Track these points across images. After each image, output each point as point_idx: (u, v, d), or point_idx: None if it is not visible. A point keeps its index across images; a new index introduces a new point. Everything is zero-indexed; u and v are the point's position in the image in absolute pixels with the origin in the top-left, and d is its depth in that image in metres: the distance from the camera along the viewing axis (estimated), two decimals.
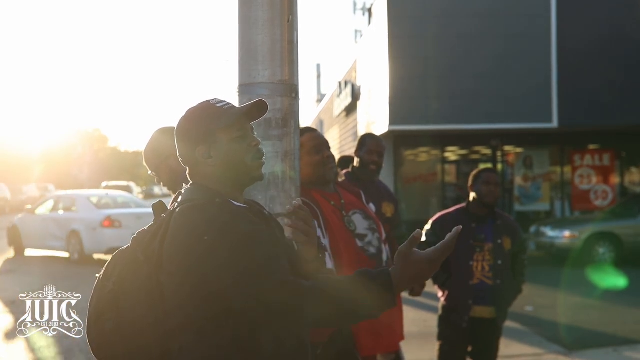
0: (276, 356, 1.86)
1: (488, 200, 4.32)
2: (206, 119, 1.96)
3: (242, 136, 1.97)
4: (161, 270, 1.89)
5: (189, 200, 1.94)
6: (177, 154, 2.05)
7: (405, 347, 4.62)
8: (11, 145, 49.05)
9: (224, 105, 2.00)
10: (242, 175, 1.98)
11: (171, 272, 1.86)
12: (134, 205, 15.79)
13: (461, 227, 1.84)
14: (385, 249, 3.37)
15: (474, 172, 4.50)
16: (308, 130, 3.34)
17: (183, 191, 2.02)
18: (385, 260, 3.30)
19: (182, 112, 2.05)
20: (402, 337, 3.45)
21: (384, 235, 3.42)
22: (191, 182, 2.02)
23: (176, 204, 1.99)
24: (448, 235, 1.82)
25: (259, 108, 1.99)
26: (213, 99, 2.03)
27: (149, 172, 3.08)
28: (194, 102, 2.07)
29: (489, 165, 17.12)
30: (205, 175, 1.98)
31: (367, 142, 4.45)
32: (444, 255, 1.82)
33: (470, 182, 4.46)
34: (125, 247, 2.05)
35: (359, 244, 3.22)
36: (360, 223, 3.29)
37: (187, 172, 2.03)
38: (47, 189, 45.06)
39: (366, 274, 1.83)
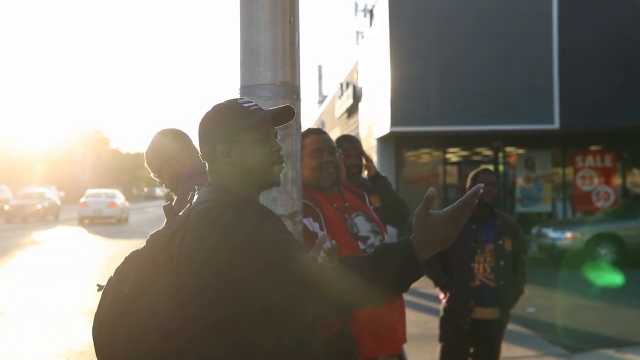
0: (275, 356, 1.86)
1: (486, 201, 4.33)
2: (231, 117, 1.96)
3: (265, 139, 1.96)
4: (179, 273, 1.87)
5: (206, 202, 1.93)
6: (198, 149, 2.04)
7: (406, 348, 4.61)
8: (13, 147, 49.07)
9: (252, 106, 1.99)
10: (258, 178, 1.97)
11: (184, 273, 1.85)
12: (105, 196, 30.36)
13: (482, 185, 1.77)
14: None
15: (471, 174, 4.50)
16: (313, 132, 3.31)
17: (198, 192, 2.01)
18: None
19: (208, 108, 2.04)
20: (404, 339, 3.44)
21: (386, 238, 3.41)
22: (210, 179, 2.01)
23: (191, 205, 1.97)
24: (467, 193, 1.75)
25: (287, 113, 1.98)
26: (241, 99, 2.02)
27: (151, 174, 3.09)
28: (219, 99, 2.06)
29: (491, 167, 17.12)
30: (222, 174, 1.97)
31: (341, 146, 4.19)
32: (463, 213, 1.75)
33: (468, 184, 4.47)
34: (139, 248, 2.03)
35: (362, 246, 3.21)
36: (362, 225, 3.28)
37: (207, 169, 2.02)
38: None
39: (386, 247, 1.79)
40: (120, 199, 30.75)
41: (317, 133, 3.32)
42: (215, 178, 2.00)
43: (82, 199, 29.69)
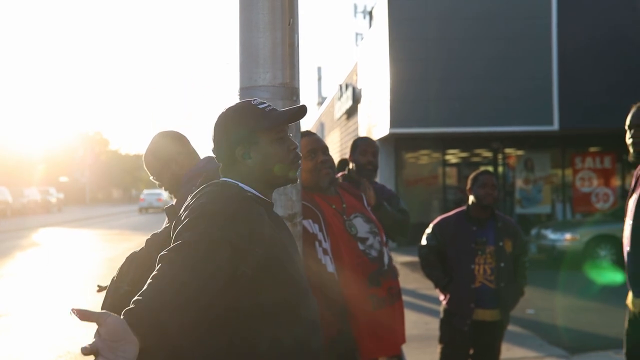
0: (273, 357, 1.86)
1: (486, 203, 4.33)
2: (248, 119, 1.97)
3: (282, 138, 1.99)
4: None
5: (207, 185, 1.94)
6: (211, 150, 2.04)
7: (406, 349, 4.61)
8: (12, 148, 49.06)
9: (266, 107, 2.01)
10: (278, 177, 2.00)
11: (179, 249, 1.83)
12: (154, 194, 44.31)
13: None
14: (387, 252, 3.37)
15: (471, 176, 4.50)
16: (303, 134, 3.32)
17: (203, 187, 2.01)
18: (386, 263, 3.30)
19: (222, 110, 2.05)
20: (403, 340, 3.45)
21: (384, 238, 3.42)
22: (221, 176, 2.02)
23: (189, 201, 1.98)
24: None
25: (301, 113, 2.01)
26: (254, 100, 2.04)
27: (151, 176, 3.08)
28: (233, 102, 2.07)
29: (490, 168, 17.13)
30: (241, 174, 1.98)
31: (358, 144, 4.40)
32: None
33: (468, 186, 4.47)
34: (138, 249, 2.05)
35: (361, 247, 3.22)
36: (361, 226, 3.29)
37: (220, 168, 2.03)
38: (49, 192, 45.08)
39: None
40: (164, 195, 42.93)
41: (308, 135, 3.34)
42: (230, 176, 2.01)
43: (141, 196, 46.69)
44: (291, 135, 2.07)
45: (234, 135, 1.97)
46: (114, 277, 2.04)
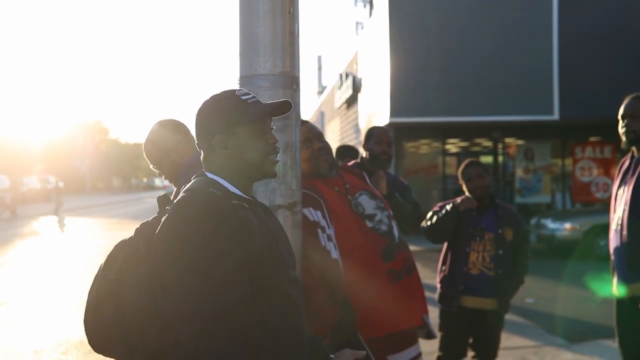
0: (273, 350, 1.86)
1: (478, 194, 4.34)
2: (230, 110, 1.96)
3: (262, 132, 1.97)
4: (159, 261, 1.85)
5: (188, 190, 1.93)
6: (194, 137, 2.04)
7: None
8: (12, 137, 49.04)
9: (249, 98, 1.99)
10: (255, 170, 1.99)
11: (171, 264, 1.81)
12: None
13: None
14: (396, 225, 3.36)
15: (460, 169, 4.50)
16: None
17: (190, 183, 2.01)
18: (397, 237, 3.28)
19: (205, 97, 2.04)
20: (425, 310, 3.38)
21: (392, 212, 3.42)
22: (204, 168, 2.01)
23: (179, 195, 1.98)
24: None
25: (284, 107, 1.99)
26: (239, 90, 2.02)
27: (150, 165, 3.08)
28: (218, 90, 2.06)
29: (490, 158, 17.13)
30: (218, 164, 1.98)
31: (374, 133, 4.39)
32: None
33: (459, 179, 4.48)
34: (128, 237, 2.05)
35: (369, 224, 3.21)
36: (367, 203, 3.28)
37: (202, 157, 2.02)
38: (48, 181, 45.10)
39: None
40: None
41: (302, 123, 3.31)
42: (210, 167, 2.00)
43: (167, 183, 58.06)
44: (275, 128, 2.05)
45: (213, 124, 1.96)
46: (101, 264, 2.04)
